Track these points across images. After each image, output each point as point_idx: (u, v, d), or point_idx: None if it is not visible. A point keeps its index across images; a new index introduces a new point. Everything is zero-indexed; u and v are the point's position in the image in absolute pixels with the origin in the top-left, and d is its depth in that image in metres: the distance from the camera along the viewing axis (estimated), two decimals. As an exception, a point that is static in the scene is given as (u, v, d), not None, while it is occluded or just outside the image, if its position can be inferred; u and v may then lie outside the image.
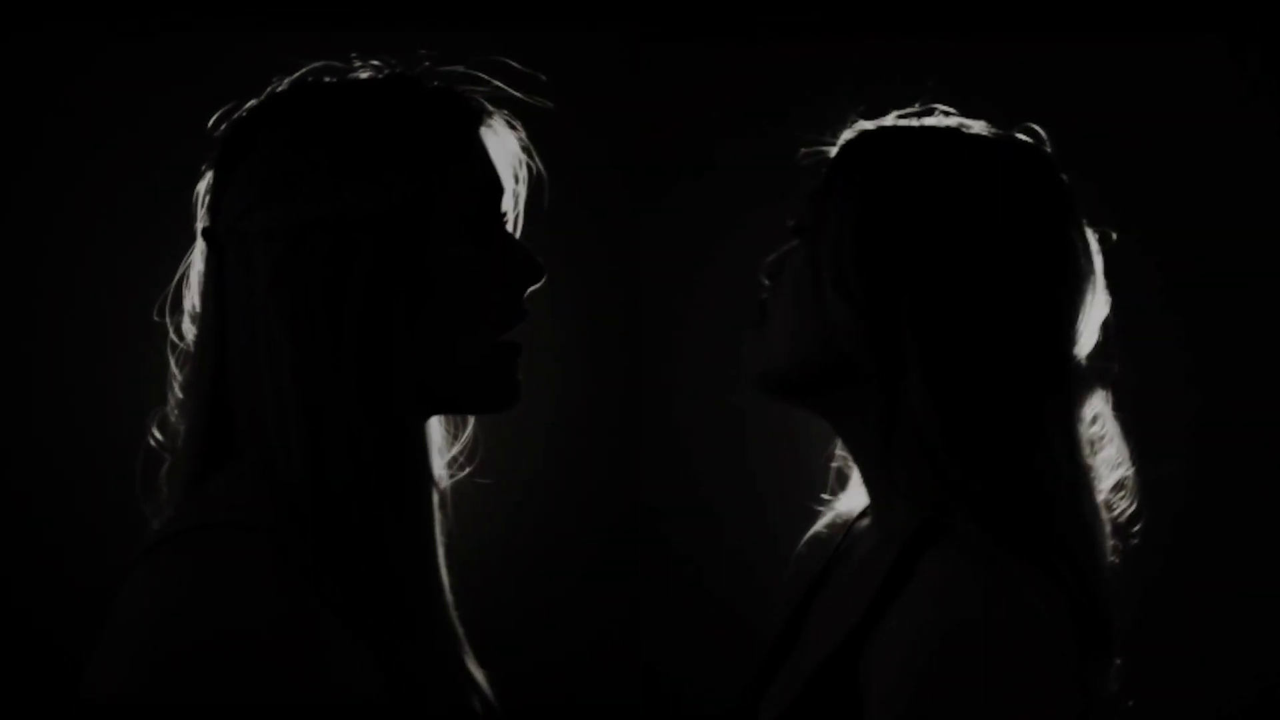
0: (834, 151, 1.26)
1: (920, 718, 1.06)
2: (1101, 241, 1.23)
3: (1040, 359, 1.17)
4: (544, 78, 1.23)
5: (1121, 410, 1.25)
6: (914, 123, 1.25)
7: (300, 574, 1.09)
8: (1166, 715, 1.63)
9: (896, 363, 1.16)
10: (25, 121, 1.93)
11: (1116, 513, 1.25)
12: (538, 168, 1.28)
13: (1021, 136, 1.24)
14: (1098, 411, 1.23)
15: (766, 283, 1.28)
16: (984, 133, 1.23)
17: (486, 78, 1.24)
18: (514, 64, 1.24)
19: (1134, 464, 1.25)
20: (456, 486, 1.33)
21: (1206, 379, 1.98)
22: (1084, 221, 1.21)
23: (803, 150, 1.29)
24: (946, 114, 1.26)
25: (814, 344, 1.21)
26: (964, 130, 1.23)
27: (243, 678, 1.02)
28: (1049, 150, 1.25)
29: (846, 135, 1.26)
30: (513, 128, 1.26)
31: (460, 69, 1.24)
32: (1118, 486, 1.25)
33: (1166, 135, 1.97)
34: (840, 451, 1.39)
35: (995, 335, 1.15)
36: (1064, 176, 1.22)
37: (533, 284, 1.25)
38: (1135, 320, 1.27)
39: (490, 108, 1.24)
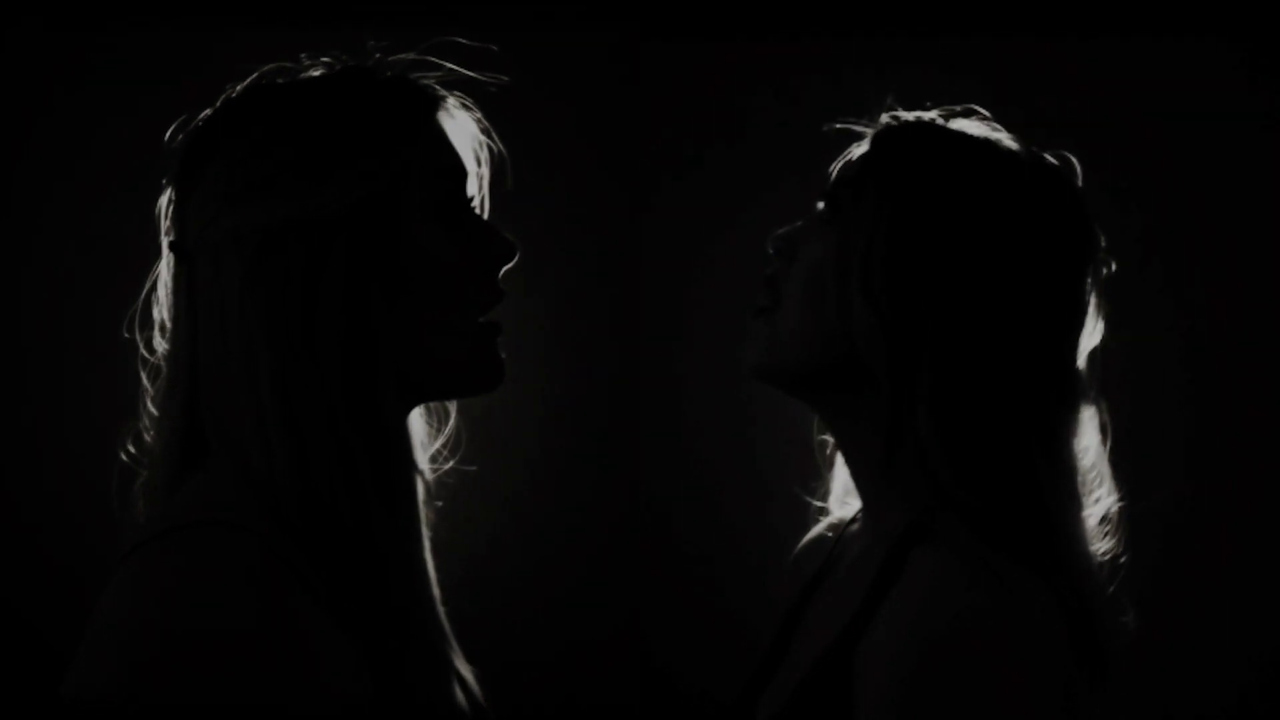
0: (868, 137, 1.24)
1: (910, 718, 1.05)
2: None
3: (1045, 385, 1.18)
4: (495, 47, 1.22)
5: (1114, 441, 1.25)
6: (951, 125, 1.24)
7: (287, 572, 1.08)
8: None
9: (910, 374, 1.15)
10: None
11: (1102, 546, 1.25)
12: (498, 148, 1.27)
13: (1053, 161, 1.23)
14: (1090, 446, 1.23)
15: (771, 252, 1.26)
16: (1019, 151, 1.22)
17: (439, 61, 1.23)
18: (463, 40, 1.23)
19: (1122, 499, 1.25)
20: (451, 481, 1.31)
21: (1200, 403, 1.98)
22: (1101, 262, 1.22)
23: (837, 125, 1.27)
24: (984, 118, 1.25)
25: (825, 340, 1.19)
26: (1000, 145, 1.21)
27: (229, 678, 1.01)
28: (1079, 181, 1.24)
29: (884, 120, 1.24)
30: (468, 109, 1.25)
31: (411, 55, 1.23)
32: (1103, 519, 1.25)
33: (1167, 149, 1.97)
34: (824, 437, 1.37)
35: (1009, 359, 1.16)
36: (1089, 213, 1.22)
37: (506, 263, 1.24)
38: (1130, 347, 1.29)
39: (444, 92, 1.24)
